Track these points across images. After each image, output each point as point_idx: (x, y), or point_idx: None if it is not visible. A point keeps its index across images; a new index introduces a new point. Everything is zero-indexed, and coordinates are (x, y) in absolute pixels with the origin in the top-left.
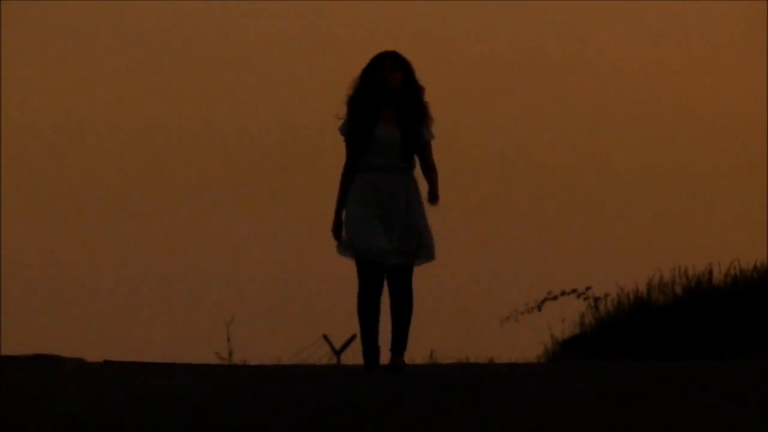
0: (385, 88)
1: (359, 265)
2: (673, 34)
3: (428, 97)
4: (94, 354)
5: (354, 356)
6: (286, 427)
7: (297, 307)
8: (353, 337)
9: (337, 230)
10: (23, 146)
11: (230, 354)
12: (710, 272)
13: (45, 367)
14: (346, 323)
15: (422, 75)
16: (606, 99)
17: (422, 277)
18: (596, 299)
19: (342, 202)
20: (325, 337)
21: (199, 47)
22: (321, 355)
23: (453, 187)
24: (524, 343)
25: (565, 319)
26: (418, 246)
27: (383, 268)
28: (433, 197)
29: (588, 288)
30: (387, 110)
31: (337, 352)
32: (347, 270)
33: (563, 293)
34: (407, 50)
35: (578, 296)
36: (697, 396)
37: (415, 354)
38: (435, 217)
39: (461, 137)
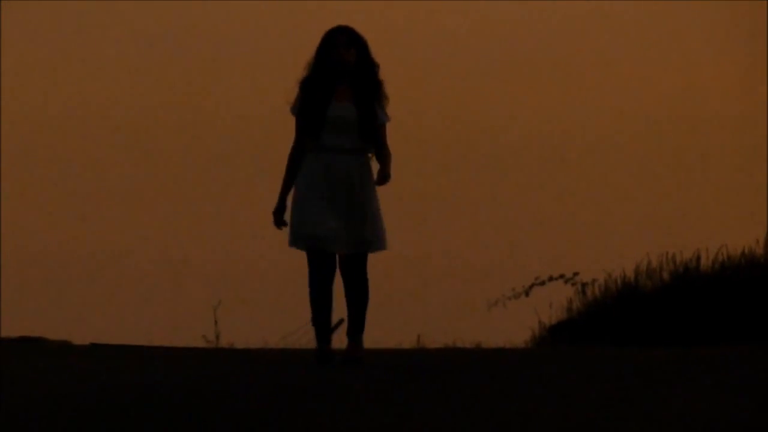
0: (339, 66)
1: (308, 253)
2: (673, 34)
3: (383, 75)
4: (80, 337)
5: (341, 341)
6: (269, 411)
7: (285, 291)
8: (341, 321)
9: (279, 214)
10: (22, 145)
11: (217, 337)
12: (698, 258)
13: (30, 349)
14: (334, 308)
15: (419, 67)
16: (597, 89)
17: (409, 262)
18: (584, 285)
19: (288, 185)
20: None
21: (199, 46)
22: (308, 339)
23: (440, 172)
24: (512, 328)
25: (552, 305)
26: (372, 235)
27: (333, 255)
28: (384, 176)
29: (576, 273)
30: (341, 88)
31: None
32: None
33: (551, 279)
34: (405, 49)
35: (566, 282)
36: (684, 382)
37: (403, 338)
38: (421, 201)
39: (449, 125)
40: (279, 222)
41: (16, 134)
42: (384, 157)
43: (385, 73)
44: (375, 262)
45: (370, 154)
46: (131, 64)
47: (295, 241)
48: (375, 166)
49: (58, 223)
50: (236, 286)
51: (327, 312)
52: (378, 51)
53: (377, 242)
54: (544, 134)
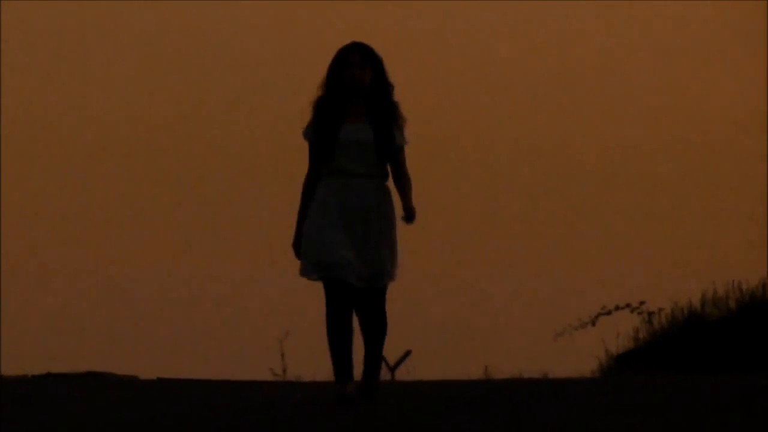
0: (353, 85)
1: (324, 283)
2: (675, 34)
3: (398, 96)
4: (148, 371)
5: (409, 372)
6: None
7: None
8: (408, 353)
9: (298, 247)
10: (26, 147)
11: (284, 370)
12: (764, 286)
13: (97, 384)
14: (401, 339)
15: (443, 85)
16: (657, 117)
17: (475, 294)
18: (650, 314)
19: (304, 213)
20: None
21: (200, 47)
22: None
23: (507, 202)
24: (578, 358)
25: (619, 334)
26: (389, 265)
27: (350, 285)
28: (409, 216)
29: (642, 302)
30: (355, 109)
31: (392, 368)
32: (402, 285)
33: (617, 308)
34: (407, 50)
35: (632, 311)
36: (751, 410)
37: (470, 369)
38: (488, 234)
39: (516, 156)
40: (299, 254)
41: (16, 135)
42: (403, 185)
43: (410, 93)
44: (444, 294)
45: (387, 180)
46: (132, 65)
47: (307, 270)
48: (394, 193)
49: (123, 257)
50: (304, 318)
51: (345, 347)
52: (400, 61)
53: (389, 274)
54: (609, 164)
